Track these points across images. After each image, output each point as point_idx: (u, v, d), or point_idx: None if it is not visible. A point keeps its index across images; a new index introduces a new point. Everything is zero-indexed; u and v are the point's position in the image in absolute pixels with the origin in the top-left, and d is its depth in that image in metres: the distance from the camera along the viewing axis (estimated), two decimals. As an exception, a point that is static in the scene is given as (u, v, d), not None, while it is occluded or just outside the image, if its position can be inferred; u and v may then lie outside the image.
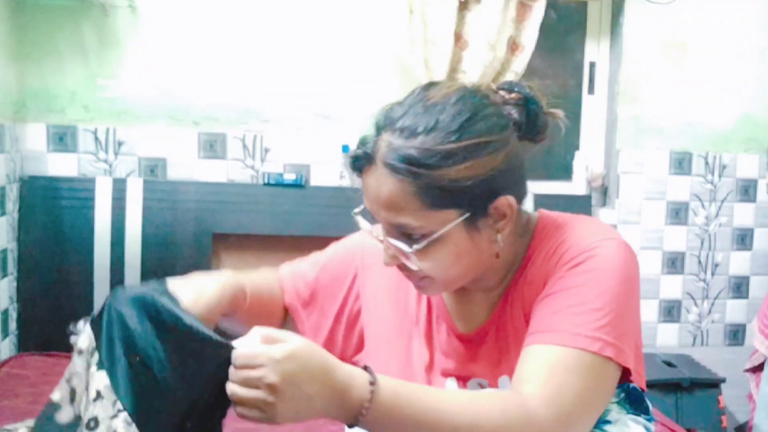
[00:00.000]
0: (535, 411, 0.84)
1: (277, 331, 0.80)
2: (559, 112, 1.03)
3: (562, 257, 0.96)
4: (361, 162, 0.95)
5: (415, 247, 0.93)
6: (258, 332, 0.80)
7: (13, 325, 2.59)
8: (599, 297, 0.91)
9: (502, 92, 1.00)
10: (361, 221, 1.03)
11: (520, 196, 0.99)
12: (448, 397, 0.87)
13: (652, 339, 3.06)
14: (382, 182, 0.92)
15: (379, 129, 0.94)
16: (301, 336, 0.81)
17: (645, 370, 0.98)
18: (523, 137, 0.99)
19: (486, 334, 1.03)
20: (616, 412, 0.94)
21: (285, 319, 1.17)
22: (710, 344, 3.11)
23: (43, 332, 2.61)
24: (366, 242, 1.09)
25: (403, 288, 1.09)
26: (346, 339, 1.14)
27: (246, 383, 0.76)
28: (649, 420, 0.96)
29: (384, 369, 1.06)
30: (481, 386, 1.02)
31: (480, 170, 0.91)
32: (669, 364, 2.76)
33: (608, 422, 0.92)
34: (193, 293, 0.93)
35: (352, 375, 0.81)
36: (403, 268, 0.98)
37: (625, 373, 0.93)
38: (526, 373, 0.88)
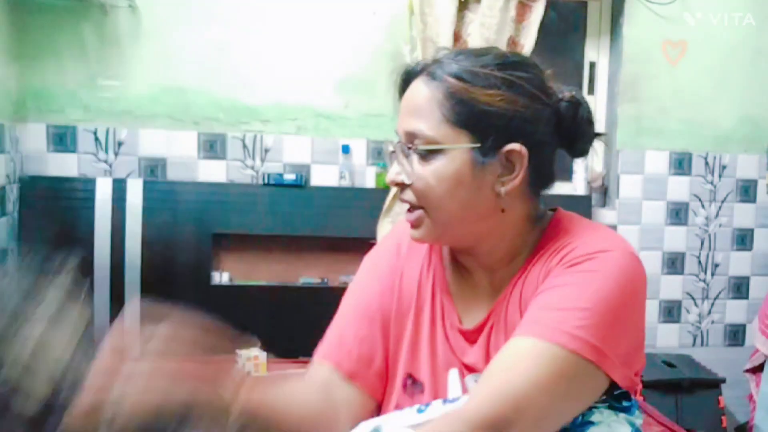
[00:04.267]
0: (473, 416, 0.84)
1: None
2: (602, 135, 1.06)
3: (563, 258, 0.95)
4: (410, 74, 1.00)
5: (420, 148, 0.95)
6: None
7: (13, 325, 2.59)
8: (590, 297, 0.88)
9: (562, 87, 1.03)
10: (390, 146, 1.04)
11: (541, 175, 1.01)
12: None
13: (652, 339, 3.06)
14: (416, 90, 0.97)
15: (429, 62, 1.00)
16: None
17: (645, 370, 0.96)
18: (563, 137, 1.01)
19: (483, 327, 1.03)
20: (598, 414, 0.93)
21: None
22: (710, 344, 3.11)
23: (43, 332, 2.61)
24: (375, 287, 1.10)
25: (417, 297, 1.09)
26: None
27: None
28: (630, 413, 0.95)
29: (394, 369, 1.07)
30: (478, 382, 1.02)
31: (505, 104, 0.95)
32: (669, 365, 2.76)
33: (592, 423, 0.91)
34: None
35: None
36: (402, 188, 1.00)
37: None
38: (492, 364, 0.89)
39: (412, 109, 0.97)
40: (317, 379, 1.05)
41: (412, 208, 1.00)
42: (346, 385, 1.04)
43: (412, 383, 1.05)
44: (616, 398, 0.94)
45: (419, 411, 0.96)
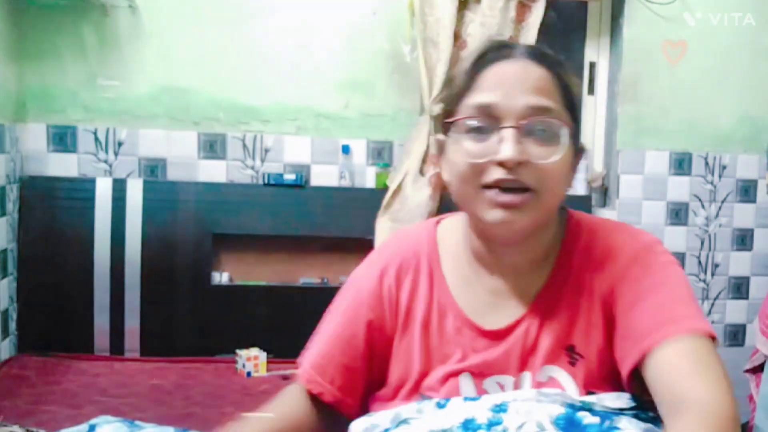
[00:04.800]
0: (721, 407, 0.84)
1: None
2: None
3: (617, 260, 0.98)
4: (497, 53, 0.96)
5: (556, 126, 0.93)
6: None
7: (13, 325, 2.59)
8: (687, 287, 0.96)
9: None
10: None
11: None
12: None
13: (652, 339, 3.06)
14: (529, 69, 0.95)
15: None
16: None
17: None
18: None
19: (514, 328, 1.00)
20: (626, 421, 0.92)
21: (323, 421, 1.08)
22: (710, 344, 3.11)
23: (43, 332, 2.61)
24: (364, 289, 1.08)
25: (417, 308, 1.06)
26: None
27: None
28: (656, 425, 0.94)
29: (400, 379, 1.04)
30: (500, 385, 1.00)
31: (580, 98, 1.00)
32: (669, 365, 2.76)
33: (617, 429, 0.90)
34: None
35: None
36: (514, 169, 0.92)
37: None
38: (684, 371, 0.88)
39: (536, 87, 0.93)
40: (298, 401, 1.06)
41: (517, 191, 0.93)
42: (327, 408, 1.06)
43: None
44: (642, 408, 0.94)
45: (439, 406, 0.95)
